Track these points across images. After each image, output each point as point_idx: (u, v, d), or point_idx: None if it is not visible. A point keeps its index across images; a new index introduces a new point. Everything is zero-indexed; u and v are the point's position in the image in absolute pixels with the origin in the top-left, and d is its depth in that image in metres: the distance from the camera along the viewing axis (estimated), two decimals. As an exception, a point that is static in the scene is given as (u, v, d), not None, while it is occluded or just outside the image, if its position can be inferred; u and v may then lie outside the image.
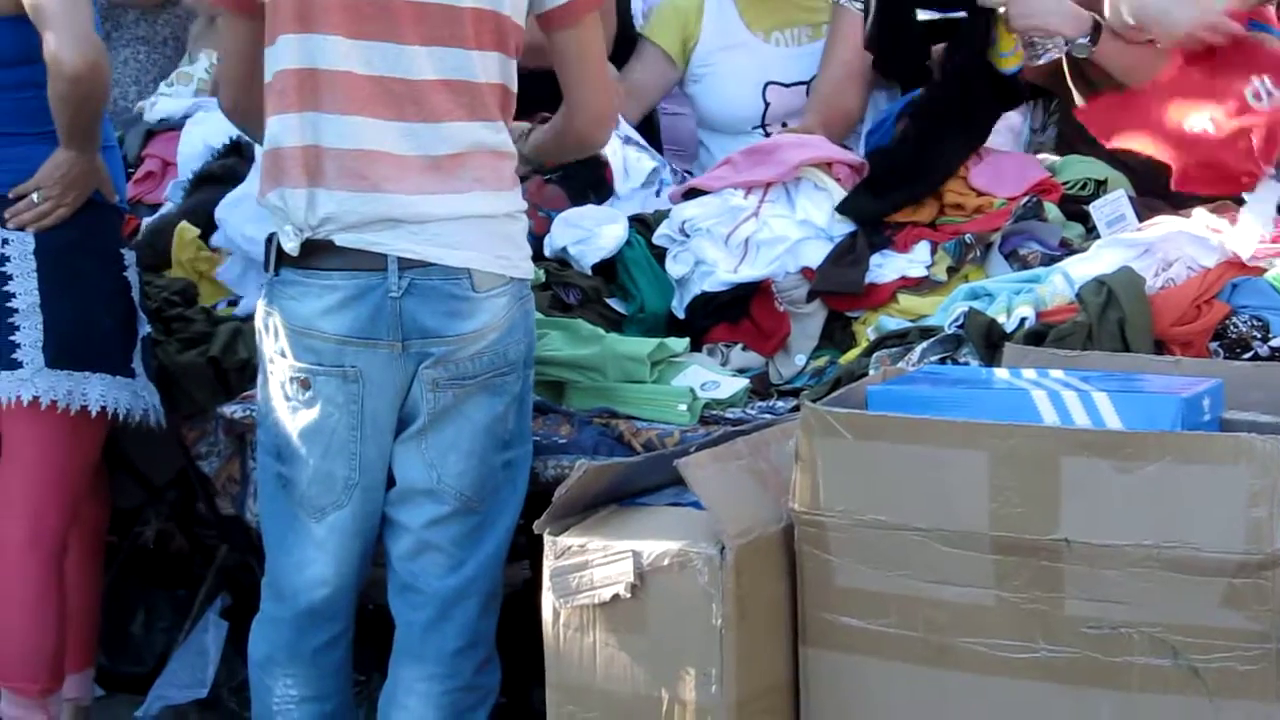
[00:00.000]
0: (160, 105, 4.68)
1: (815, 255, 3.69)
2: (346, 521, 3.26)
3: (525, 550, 4.33)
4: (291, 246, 3.16)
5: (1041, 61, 3.84)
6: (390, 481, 3.27)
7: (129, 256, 3.95)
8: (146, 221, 4.45)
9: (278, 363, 3.23)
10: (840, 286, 3.66)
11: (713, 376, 3.55)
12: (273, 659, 3.35)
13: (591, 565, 2.79)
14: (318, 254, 3.16)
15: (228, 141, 4.36)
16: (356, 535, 3.27)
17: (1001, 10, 3.78)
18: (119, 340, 3.88)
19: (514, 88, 3.24)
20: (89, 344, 3.83)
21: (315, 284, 3.17)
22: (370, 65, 3.14)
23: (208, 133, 4.43)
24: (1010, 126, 4.35)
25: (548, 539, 2.85)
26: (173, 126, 4.62)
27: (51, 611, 3.91)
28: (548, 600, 2.84)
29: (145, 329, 3.94)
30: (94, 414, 3.81)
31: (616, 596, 2.78)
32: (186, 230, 4.27)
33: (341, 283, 3.15)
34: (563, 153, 3.57)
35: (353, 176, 3.13)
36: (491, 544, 3.27)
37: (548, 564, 2.84)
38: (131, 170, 4.62)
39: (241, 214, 4.01)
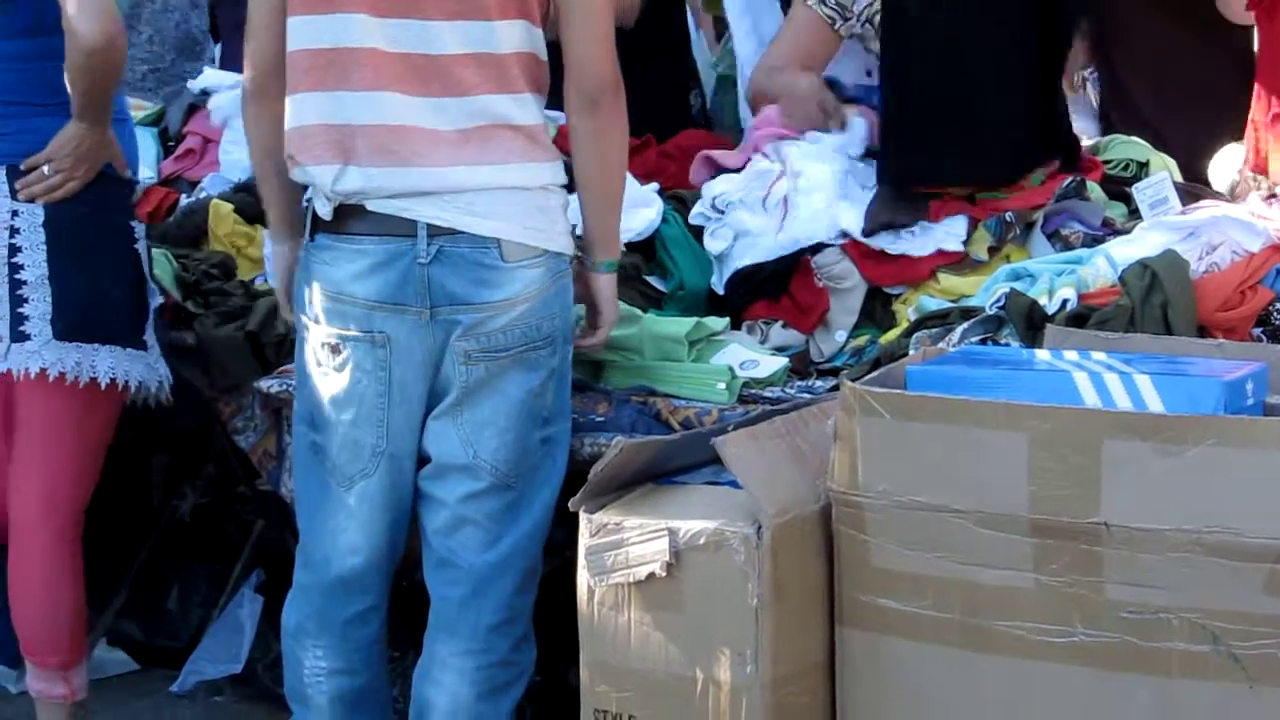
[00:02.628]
0: (205, 77, 4.67)
1: (854, 219, 3.68)
2: (375, 490, 3.24)
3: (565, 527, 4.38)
4: (325, 210, 3.17)
5: None
6: (425, 458, 3.26)
7: (139, 229, 3.95)
8: (183, 201, 4.45)
9: (311, 329, 3.24)
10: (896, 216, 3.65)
11: (752, 355, 3.53)
12: (303, 629, 3.34)
13: (627, 543, 2.78)
14: (350, 219, 3.17)
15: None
16: (386, 506, 3.26)
17: None
18: (129, 312, 3.87)
19: (543, 56, 3.21)
20: (98, 316, 3.82)
21: (347, 248, 3.17)
22: (395, 42, 3.13)
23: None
24: (1088, 103, 4.33)
25: (583, 516, 2.84)
26: (218, 100, 4.62)
27: (68, 583, 3.91)
28: (583, 578, 2.83)
29: (157, 300, 3.94)
30: (104, 386, 3.79)
31: (652, 575, 2.76)
32: (222, 205, 4.27)
33: (372, 248, 3.15)
34: None
35: (383, 152, 3.13)
36: (528, 520, 3.25)
37: (583, 542, 2.83)
38: (172, 145, 4.63)
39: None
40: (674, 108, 4.63)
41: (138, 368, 3.85)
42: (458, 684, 3.27)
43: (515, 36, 3.16)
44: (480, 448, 3.20)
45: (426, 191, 3.13)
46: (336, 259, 3.18)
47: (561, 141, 3.40)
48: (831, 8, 4.17)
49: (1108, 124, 4.26)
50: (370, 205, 3.14)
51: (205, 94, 4.66)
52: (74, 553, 3.93)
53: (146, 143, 4.63)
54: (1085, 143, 3.97)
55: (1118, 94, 4.23)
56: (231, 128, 4.48)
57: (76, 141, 3.77)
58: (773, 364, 3.50)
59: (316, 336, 3.23)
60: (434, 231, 3.13)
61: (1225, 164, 3.89)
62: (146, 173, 4.52)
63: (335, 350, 3.21)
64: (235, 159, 4.44)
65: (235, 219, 4.24)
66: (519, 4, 3.15)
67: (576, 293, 3.28)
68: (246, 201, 4.26)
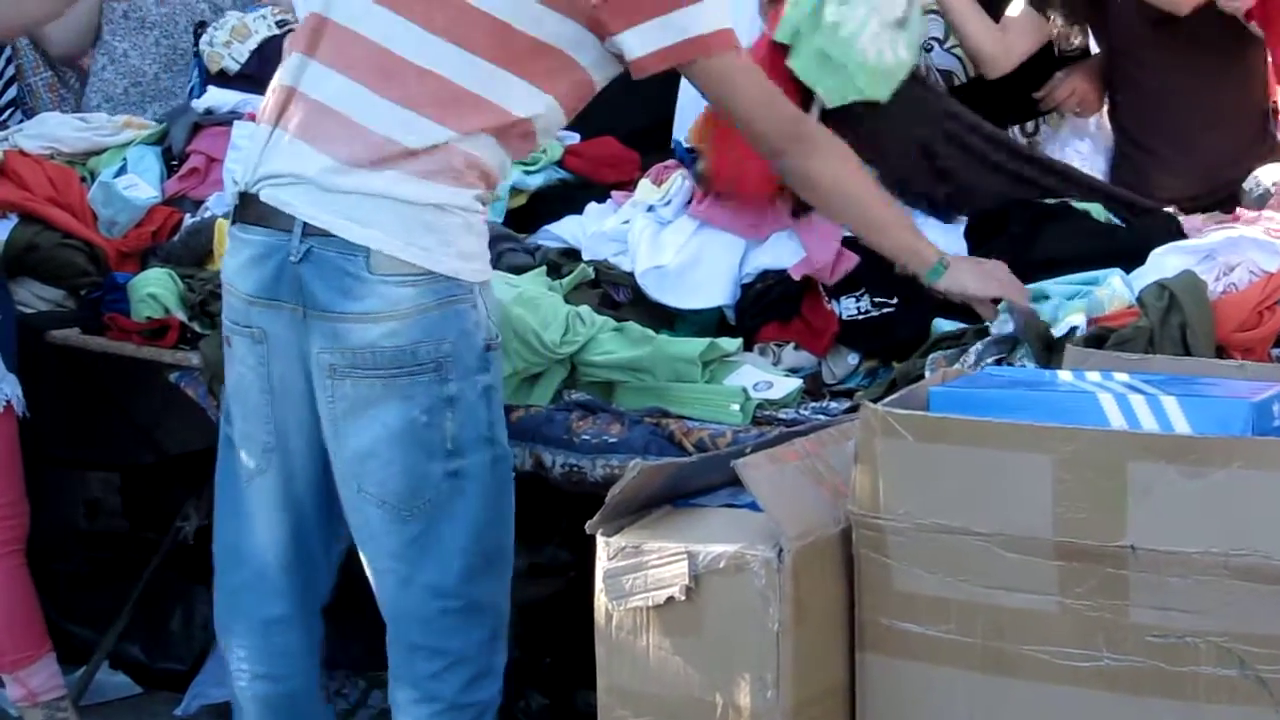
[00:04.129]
0: (209, 96, 4.65)
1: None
2: (270, 488, 3.19)
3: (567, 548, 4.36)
4: (230, 195, 3.19)
5: None
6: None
7: None
8: (187, 221, 4.43)
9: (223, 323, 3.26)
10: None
11: (765, 377, 3.51)
12: (224, 628, 3.33)
13: (646, 566, 2.74)
14: (247, 209, 3.13)
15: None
16: (283, 505, 3.20)
17: None
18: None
19: (520, 112, 3.08)
20: None
21: (240, 238, 3.16)
22: (377, 33, 3.08)
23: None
24: (1102, 126, 4.32)
25: (601, 539, 2.80)
26: (219, 121, 4.60)
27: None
28: (600, 602, 2.79)
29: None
30: None
31: (671, 599, 2.72)
32: (226, 225, 4.23)
33: (256, 239, 3.11)
34: None
35: (304, 125, 3.08)
36: (442, 559, 3.11)
37: (600, 565, 2.79)
38: (176, 165, 4.61)
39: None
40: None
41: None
42: None
43: (486, 78, 3.05)
44: (365, 480, 3.09)
45: (315, 182, 3.04)
46: (231, 249, 3.18)
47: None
48: None
49: (1119, 154, 4.24)
50: (262, 195, 3.09)
51: (209, 113, 4.64)
52: (8, 555, 4.07)
53: (149, 162, 4.62)
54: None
55: (1125, 131, 4.23)
56: (235, 147, 4.46)
57: None
58: (786, 385, 3.48)
59: (222, 330, 3.24)
60: (309, 230, 3.04)
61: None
62: (150, 192, 4.51)
63: (228, 343, 3.21)
64: (240, 178, 4.42)
65: (240, 239, 4.20)
66: (501, 48, 3.04)
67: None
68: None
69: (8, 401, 3.97)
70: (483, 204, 3.12)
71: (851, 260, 3.63)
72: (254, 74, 4.93)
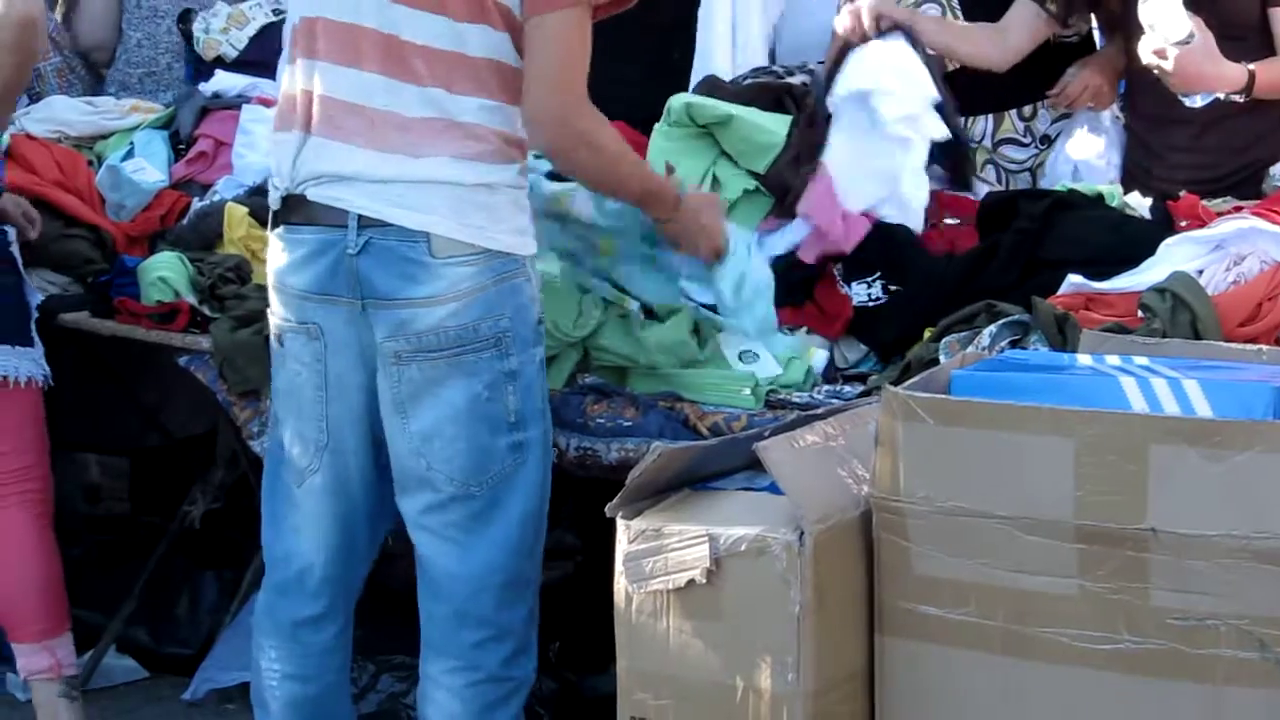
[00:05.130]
0: (216, 80, 4.64)
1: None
2: (321, 486, 3.23)
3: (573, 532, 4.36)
4: (274, 199, 3.19)
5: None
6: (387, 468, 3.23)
7: (11, 232, 4.04)
8: (195, 205, 4.42)
9: (268, 322, 3.27)
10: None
11: (750, 346, 3.51)
12: (259, 627, 3.35)
13: (666, 550, 2.74)
14: (294, 210, 3.16)
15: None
16: (334, 503, 3.24)
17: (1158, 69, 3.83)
18: (14, 312, 3.97)
19: (514, 62, 3.12)
20: None
21: (289, 239, 3.18)
22: (364, 18, 3.11)
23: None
24: (1116, 120, 4.33)
25: (621, 522, 2.79)
26: (228, 105, 4.60)
27: (34, 551, 4.05)
28: (620, 585, 2.79)
29: (37, 298, 4.05)
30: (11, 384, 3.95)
31: (692, 582, 2.72)
32: (236, 209, 4.25)
33: (308, 237, 3.15)
34: None
35: (332, 125, 3.12)
36: (500, 531, 3.17)
37: (621, 548, 2.79)
38: (184, 148, 4.60)
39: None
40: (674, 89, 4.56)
41: (25, 364, 3.97)
42: (450, 702, 3.23)
43: (480, 41, 3.10)
44: (432, 458, 3.14)
45: (360, 177, 3.08)
46: (281, 249, 3.20)
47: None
48: None
49: (1133, 137, 4.24)
50: (310, 194, 3.13)
51: (217, 96, 4.64)
52: (39, 526, 4.06)
53: (157, 145, 4.62)
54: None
55: (1141, 115, 4.23)
56: (244, 131, 4.46)
57: None
58: (771, 360, 3.48)
59: (271, 329, 3.26)
60: (365, 222, 3.09)
61: None
62: (158, 176, 4.50)
63: (280, 342, 3.23)
64: (249, 162, 4.42)
65: (250, 222, 4.21)
66: (477, 8, 3.09)
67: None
68: (261, 205, 4.21)
69: (29, 378, 3.96)
70: (524, 176, 3.17)
71: (862, 225, 3.63)
72: (255, 60, 4.94)
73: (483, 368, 3.10)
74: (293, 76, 3.19)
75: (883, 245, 3.61)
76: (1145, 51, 3.82)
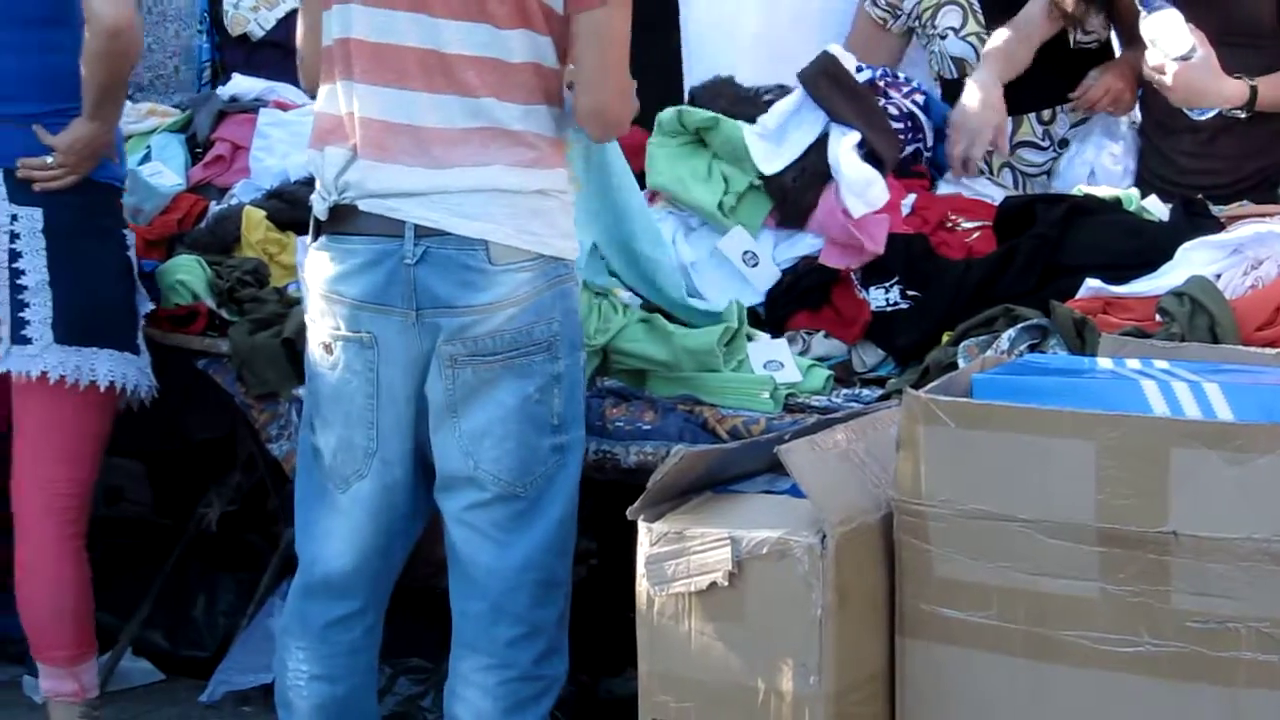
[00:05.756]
0: (233, 84, 4.65)
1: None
2: (367, 493, 3.24)
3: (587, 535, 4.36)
4: (321, 210, 3.19)
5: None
6: (432, 470, 3.25)
7: (130, 237, 3.98)
8: (213, 208, 4.43)
9: (310, 330, 3.27)
10: None
11: (776, 356, 3.52)
12: (288, 629, 3.35)
13: (689, 552, 2.75)
14: (344, 220, 3.17)
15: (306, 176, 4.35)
16: (378, 509, 3.25)
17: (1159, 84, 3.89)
18: (124, 317, 3.92)
19: (552, 64, 3.17)
20: (97, 321, 3.88)
21: (339, 249, 3.18)
22: (402, 36, 3.12)
23: (290, 167, 4.41)
24: (1133, 125, 4.35)
25: (642, 525, 2.80)
26: (245, 108, 4.60)
27: (70, 577, 3.97)
28: (642, 587, 2.80)
29: (146, 307, 3.98)
30: (103, 389, 3.87)
31: (714, 584, 2.73)
32: (254, 212, 4.26)
33: (361, 247, 3.16)
34: None
35: (377, 147, 3.13)
36: (540, 531, 3.21)
37: (642, 550, 2.80)
38: (201, 152, 4.61)
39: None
40: (666, 88, 4.57)
41: (131, 371, 3.92)
42: (481, 699, 3.24)
43: (522, 45, 3.13)
44: (480, 458, 3.17)
45: (416, 192, 3.11)
46: (331, 258, 3.19)
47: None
48: (883, 8, 4.41)
49: (1148, 142, 4.26)
50: (362, 205, 3.14)
51: (234, 100, 4.64)
52: (77, 548, 3.99)
53: (174, 149, 4.63)
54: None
55: (1155, 119, 4.25)
56: (262, 134, 4.47)
57: (86, 141, 3.80)
58: (794, 369, 3.49)
59: (315, 336, 3.26)
60: (421, 232, 3.11)
61: None
62: (175, 179, 4.51)
63: (328, 350, 3.23)
64: (266, 165, 4.43)
65: (267, 226, 4.22)
66: (520, 12, 3.11)
67: None
68: (279, 208, 4.25)
69: (110, 383, 3.89)
70: (568, 180, 3.22)
71: (882, 224, 3.65)
72: (280, 41, 4.96)
73: (535, 370, 3.15)
74: (333, 98, 3.19)
75: (901, 252, 3.62)
76: (1146, 67, 3.85)
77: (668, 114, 3.81)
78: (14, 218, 3.81)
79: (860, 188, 3.65)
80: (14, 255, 3.81)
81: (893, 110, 3.93)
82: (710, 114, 3.80)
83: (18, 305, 3.81)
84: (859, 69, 3.89)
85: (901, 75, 4.10)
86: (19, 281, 3.81)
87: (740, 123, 3.78)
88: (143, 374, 3.94)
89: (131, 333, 3.93)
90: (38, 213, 3.80)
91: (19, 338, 3.82)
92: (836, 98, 3.74)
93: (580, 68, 3.16)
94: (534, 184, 3.13)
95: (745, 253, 3.62)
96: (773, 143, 3.74)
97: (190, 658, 4.67)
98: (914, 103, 4.00)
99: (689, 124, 3.80)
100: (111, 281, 3.90)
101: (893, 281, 3.63)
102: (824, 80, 3.76)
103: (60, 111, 3.81)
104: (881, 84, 3.98)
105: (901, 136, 3.93)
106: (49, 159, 3.79)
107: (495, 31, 3.11)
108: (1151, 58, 3.86)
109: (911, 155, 4.01)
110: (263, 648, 4.43)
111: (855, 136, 3.69)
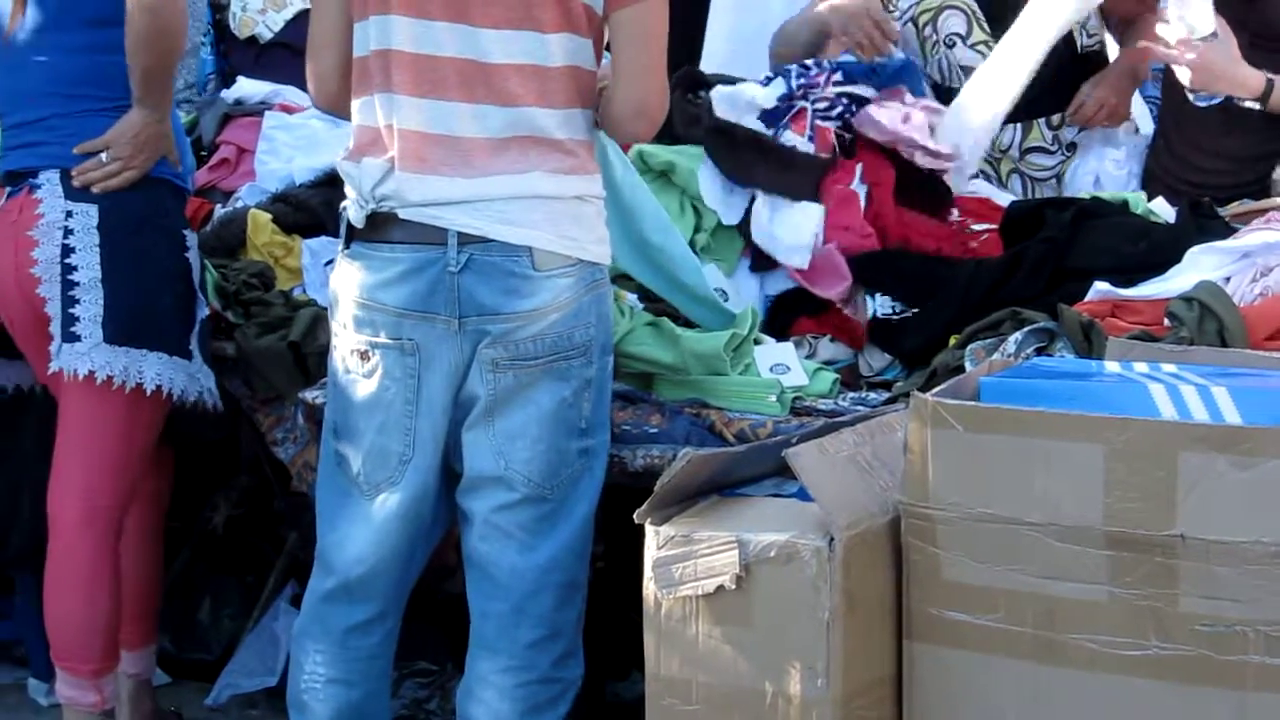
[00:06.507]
0: (239, 87, 4.65)
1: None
2: (398, 500, 3.24)
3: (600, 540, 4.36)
4: (358, 218, 3.17)
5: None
6: (457, 473, 3.25)
7: (191, 238, 3.92)
8: (218, 212, 4.43)
9: (341, 336, 3.25)
10: None
11: (783, 360, 3.52)
12: (306, 632, 3.35)
13: (696, 555, 2.75)
14: (382, 227, 3.17)
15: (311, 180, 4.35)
16: (406, 516, 3.26)
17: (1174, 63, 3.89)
18: (177, 321, 3.84)
19: (591, 66, 3.20)
20: (148, 322, 3.80)
21: (379, 257, 3.17)
22: (441, 47, 3.13)
23: (295, 170, 4.41)
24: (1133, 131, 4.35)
25: (650, 528, 2.80)
26: (250, 111, 4.61)
27: (104, 592, 3.88)
28: (649, 590, 2.80)
29: (204, 312, 3.91)
30: (149, 392, 3.78)
31: (721, 588, 2.73)
32: (260, 215, 4.27)
33: (403, 255, 3.15)
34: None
35: (416, 159, 3.13)
36: (566, 533, 3.23)
37: (650, 554, 2.80)
38: (206, 155, 4.61)
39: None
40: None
41: (180, 376, 3.83)
42: (498, 701, 3.25)
43: (561, 51, 3.15)
44: (512, 458, 3.19)
45: (457, 200, 3.12)
46: (367, 267, 3.18)
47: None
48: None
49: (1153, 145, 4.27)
50: (402, 213, 3.14)
51: (239, 103, 4.65)
52: (113, 559, 3.91)
53: (180, 152, 4.61)
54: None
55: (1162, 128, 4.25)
56: (267, 138, 4.47)
57: (136, 129, 3.74)
58: (801, 372, 3.49)
59: (346, 344, 3.23)
60: (465, 240, 3.12)
61: None
62: (181, 183, 4.51)
63: (365, 357, 3.21)
64: (272, 169, 4.44)
65: (273, 229, 4.23)
66: (565, 16, 3.14)
67: None
68: (284, 211, 4.26)
69: (157, 387, 3.80)
70: (602, 185, 3.24)
71: (832, 257, 3.67)
72: (289, 43, 4.95)
73: (572, 374, 3.17)
74: (370, 110, 3.19)
75: (892, 270, 3.63)
76: (1168, 38, 3.82)
77: (630, 153, 3.78)
78: (69, 214, 3.75)
79: (790, 246, 3.68)
80: (67, 250, 3.75)
81: (822, 105, 3.83)
82: (667, 157, 3.81)
83: (69, 302, 3.75)
84: (767, 80, 3.85)
85: (826, 62, 3.93)
86: (71, 278, 3.75)
87: (696, 167, 3.79)
88: (192, 379, 3.85)
89: (184, 337, 3.85)
90: (93, 209, 3.75)
91: (69, 335, 3.75)
92: (730, 159, 3.78)
93: (620, 64, 3.18)
94: (572, 190, 3.15)
95: (715, 289, 3.60)
96: (725, 193, 3.77)
97: (195, 661, 4.67)
98: (839, 80, 3.86)
99: (652, 165, 3.81)
100: (166, 283, 3.83)
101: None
102: (718, 139, 3.78)
103: (118, 107, 3.77)
104: (800, 91, 3.84)
105: (841, 120, 3.84)
106: (103, 156, 3.76)
107: (540, 37, 3.13)
108: (1173, 34, 3.83)
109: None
110: (268, 651, 4.44)
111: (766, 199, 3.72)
